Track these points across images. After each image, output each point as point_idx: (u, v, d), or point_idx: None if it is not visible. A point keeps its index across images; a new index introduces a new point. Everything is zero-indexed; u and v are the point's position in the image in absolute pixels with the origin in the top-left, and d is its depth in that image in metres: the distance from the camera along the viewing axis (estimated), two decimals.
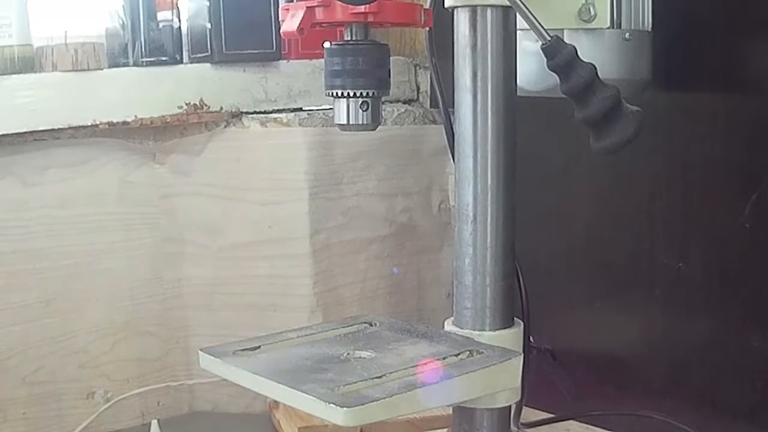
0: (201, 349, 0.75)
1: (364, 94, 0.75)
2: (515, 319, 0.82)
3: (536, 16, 0.71)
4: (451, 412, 0.83)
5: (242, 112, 1.16)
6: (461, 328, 0.80)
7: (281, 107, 1.19)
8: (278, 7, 1.13)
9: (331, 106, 0.77)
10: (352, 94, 0.75)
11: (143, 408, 1.15)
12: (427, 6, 0.79)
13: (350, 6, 0.72)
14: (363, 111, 0.75)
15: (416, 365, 0.70)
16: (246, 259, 1.16)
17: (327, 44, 0.76)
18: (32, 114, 1.02)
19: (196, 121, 1.13)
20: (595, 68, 0.70)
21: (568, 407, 1.06)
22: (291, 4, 0.74)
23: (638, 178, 0.99)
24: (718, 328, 0.94)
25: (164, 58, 1.14)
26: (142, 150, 1.14)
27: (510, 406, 0.82)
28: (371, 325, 0.83)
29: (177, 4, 1.17)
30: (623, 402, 1.02)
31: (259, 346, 0.76)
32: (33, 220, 1.05)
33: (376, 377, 0.67)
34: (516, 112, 0.79)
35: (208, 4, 1.13)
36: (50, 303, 1.07)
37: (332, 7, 0.73)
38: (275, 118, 1.15)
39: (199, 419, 1.19)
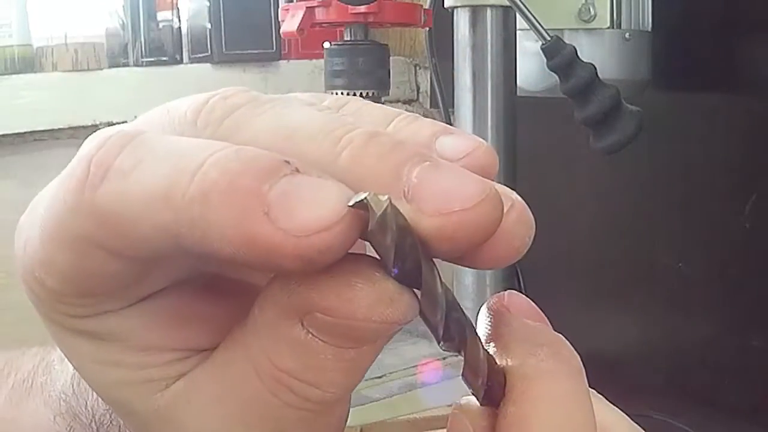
0: None
1: (364, 94, 0.75)
2: None
3: (536, 16, 0.71)
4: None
5: None
6: None
7: None
8: (278, 7, 1.13)
9: None
10: (351, 94, 0.75)
11: None
12: (427, 6, 0.79)
13: (350, 6, 0.72)
14: None
15: (416, 365, 0.70)
16: None
17: (327, 44, 0.76)
18: (32, 114, 1.02)
19: None
20: (595, 68, 0.70)
21: None
22: (291, 4, 0.74)
23: (638, 178, 0.99)
24: (718, 328, 0.94)
25: (164, 58, 1.14)
26: None
27: None
28: None
29: (177, 4, 1.17)
30: (623, 402, 1.01)
31: None
32: None
33: (376, 377, 0.67)
34: (516, 112, 0.79)
35: (208, 4, 1.13)
36: None
37: (332, 7, 0.73)
38: None
39: None
